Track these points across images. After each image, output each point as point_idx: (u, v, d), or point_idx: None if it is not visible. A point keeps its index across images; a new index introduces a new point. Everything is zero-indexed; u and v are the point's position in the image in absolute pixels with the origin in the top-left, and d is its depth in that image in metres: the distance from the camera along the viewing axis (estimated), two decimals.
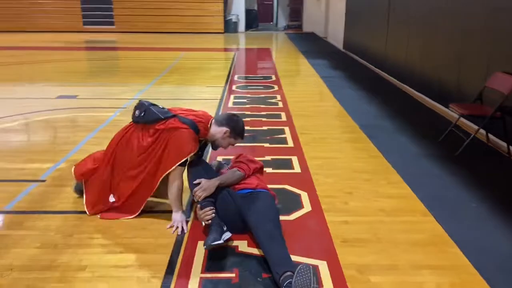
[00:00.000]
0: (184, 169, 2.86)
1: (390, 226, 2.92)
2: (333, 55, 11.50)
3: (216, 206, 2.72)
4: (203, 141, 2.93)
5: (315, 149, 4.39)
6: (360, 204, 3.24)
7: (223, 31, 17.21)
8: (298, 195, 3.37)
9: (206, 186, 2.72)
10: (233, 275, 2.40)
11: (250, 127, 5.08)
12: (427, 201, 3.26)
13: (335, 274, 2.40)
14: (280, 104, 6.20)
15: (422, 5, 6.70)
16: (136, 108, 2.89)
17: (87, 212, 2.98)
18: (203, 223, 2.70)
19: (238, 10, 18.09)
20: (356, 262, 2.52)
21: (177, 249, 2.65)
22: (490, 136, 4.56)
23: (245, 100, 6.42)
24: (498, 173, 3.88)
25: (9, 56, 11.06)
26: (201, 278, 2.37)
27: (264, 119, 5.44)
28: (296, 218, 3.01)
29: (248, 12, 18.92)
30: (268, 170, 3.86)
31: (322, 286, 2.30)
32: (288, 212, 3.07)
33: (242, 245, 2.66)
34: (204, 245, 2.53)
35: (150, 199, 2.99)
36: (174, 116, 2.78)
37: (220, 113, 5.65)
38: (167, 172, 2.76)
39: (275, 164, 4.00)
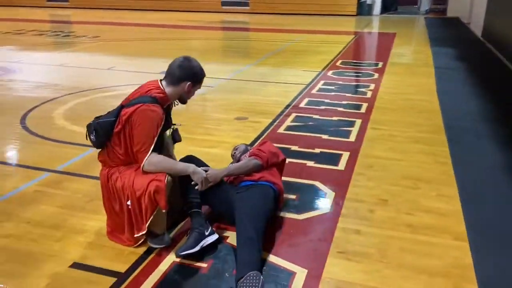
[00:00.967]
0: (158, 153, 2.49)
1: (405, 245, 2.52)
2: (464, 44, 10.16)
3: (215, 195, 2.66)
4: (165, 105, 2.58)
5: (375, 146, 3.98)
6: (387, 214, 2.85)
7: (355, 14, 16.57)
8: (324, 194, 3.11)
9: (213, 175, 2.60)
10: (205, 265, 2.35)
11: (320, 116, 4.83)
12: (473, 226, 2.71)
13: (308, 286, 2.18)
14: (369, 94, 5.73)
15: None
16: (87, 135, 2.56)
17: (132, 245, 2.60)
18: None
19: None
20: (339, 277, 2.25)
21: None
22: None
23: (333, 87, 6.09)
24: None
25: (160, 32, 12.29)
26: (173, 262, 2.38)
27: (340, 109, 5.10)
28: (305, 219, 2.79)
29: None
30: (309, 163, 3.64)
31: None
32: (300, 212, 2.86)
33: (233, 237, 2.56)
34: (175, 252, 2.43)
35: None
36: (121, 107, 2.51)
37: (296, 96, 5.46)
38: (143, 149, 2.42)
39: (320, 157, 3.74)
